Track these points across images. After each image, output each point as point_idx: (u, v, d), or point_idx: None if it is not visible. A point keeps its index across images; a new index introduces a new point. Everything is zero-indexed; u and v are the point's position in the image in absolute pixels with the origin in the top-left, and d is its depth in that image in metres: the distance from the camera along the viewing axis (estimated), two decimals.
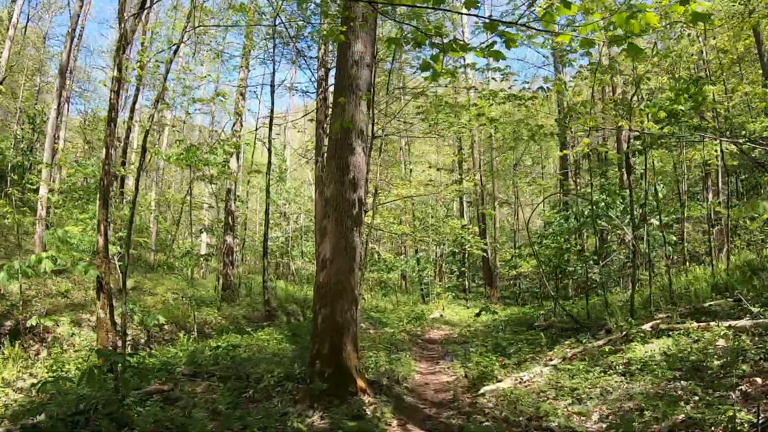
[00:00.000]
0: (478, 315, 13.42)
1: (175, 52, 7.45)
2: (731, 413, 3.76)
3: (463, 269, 25.44)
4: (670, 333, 6.75)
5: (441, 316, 17.42)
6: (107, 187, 8.60)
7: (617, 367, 5.98)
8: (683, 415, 4.15)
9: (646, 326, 7.21)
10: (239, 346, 9.70)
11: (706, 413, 4.04)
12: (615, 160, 20.27)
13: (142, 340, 11.09)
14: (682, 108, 6.89)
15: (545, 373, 6.52)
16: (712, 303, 7.65)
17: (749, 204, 14.65)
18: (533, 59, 51.63)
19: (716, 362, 5.31)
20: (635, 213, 8.99)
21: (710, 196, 17.93)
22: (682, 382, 5.05)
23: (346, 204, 6.47)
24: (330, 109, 10.81)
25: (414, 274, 24.69)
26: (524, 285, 27.66)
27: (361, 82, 7.12)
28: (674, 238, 13.86)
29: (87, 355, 8.99)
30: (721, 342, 5.87)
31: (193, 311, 11.91)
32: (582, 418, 4.77)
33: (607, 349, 6.71)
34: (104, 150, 8.52)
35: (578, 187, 21.32)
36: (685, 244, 13.90)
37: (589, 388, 5.49)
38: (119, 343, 11.50)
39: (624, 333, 7.15)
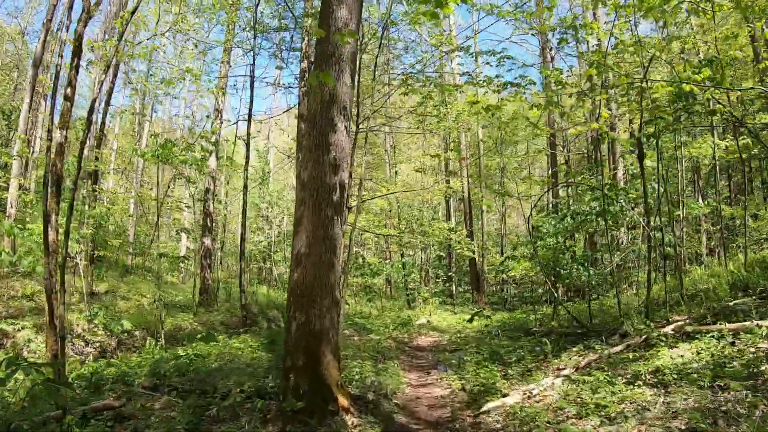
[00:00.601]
0: (470, 320, 12.54)
1: (133, 13, 6.47)
2: None
3: (450, 274, 24.65)
4: (698, 336, 5.89)
5: (428, 322, 16.68)
6: (59, 173, 7.57)
7: (645, 377, 5.08)
8: None
9: (668, 329, 6.34)
10: (210, 355, 8.85)
11: None
12: (605, 161, 19.70)
13: (111, 347, 10.34)
14: (702, 79, 6.08)
15: (558, 386, 5.59)
16: (737, 301, 6.81)
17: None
18: (522, 58, 51.15)
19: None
20: (649, 203, 8.16)
21: (700, 195, 17.37)
22: (733, 392, 4.16)
23: (326, 188, 5.50)
24: None
25: (400, 279, 23.81)
26: (512, 290, 26.93)
27: (344, 50, 6.21)
28: (672, 239, 13.19)
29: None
30: (764, 344, 5.03)
31: (161, 315, 10.93)
32: None
33: (630, 356, 5.81)
34: (57, 130, 7.53)
35: (569, 189, 20.71)
36: (684, 244, 13.19)
37: (619, 404, 4.56)
38: (86, 350, 10.62)
39: (643, 337, 6.27)
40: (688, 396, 4.36)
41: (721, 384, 4.43)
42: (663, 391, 4.65)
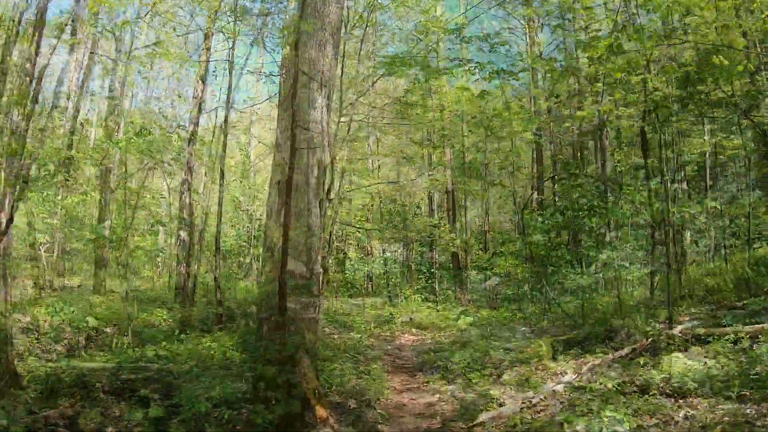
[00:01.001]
0: (457, 319, 12.04)
1: None
2: None
3: (432, 270, 24.20)
4: (710, 338, 5.40)
5: (411, 319, 16.15)
6: (15, 151, 6.85)
7: (659, 385, 4.54)
8: None
9: (675, 331, 5.85)
10: (179, 355, 8.17)
11: None
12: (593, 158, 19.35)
13: (80, 345, 9.63)
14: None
15: (560, 394, 5.04)
16: (746, 302, 6.36)
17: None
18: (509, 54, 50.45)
19: None
20: (652, 197, 7.67)
21: (688, 193, 17.11)
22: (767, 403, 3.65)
23: (303, 170, 4.86)
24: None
25: (381, 275, 23.27)
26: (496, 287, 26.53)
27: (327, 19, 5.58)
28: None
29: None
30: None
31: (127, 311, 10.21)
32: None
33: (641, 362, 5.28)
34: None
35: (555, 185, 20.33)
36: (675, 243, 12.85)
37: (635, 417, 4.01)
38: (53, 347, 9.97)
39: (650, 340, 5.76)
40: (714, 408, 3.84)
41: (749, 394, 3.91)
42: (683, 401, 4.13)
